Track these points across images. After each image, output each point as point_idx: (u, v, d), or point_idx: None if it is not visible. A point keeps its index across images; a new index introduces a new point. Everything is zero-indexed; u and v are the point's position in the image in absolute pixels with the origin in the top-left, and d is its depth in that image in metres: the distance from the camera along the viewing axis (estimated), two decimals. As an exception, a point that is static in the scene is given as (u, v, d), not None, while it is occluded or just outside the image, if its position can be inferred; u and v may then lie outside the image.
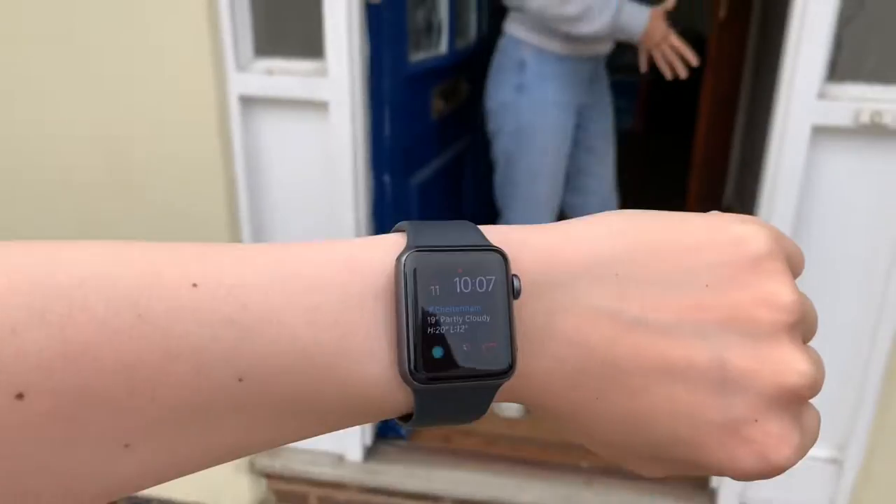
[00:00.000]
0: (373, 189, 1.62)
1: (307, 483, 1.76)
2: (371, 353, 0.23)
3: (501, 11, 1.83)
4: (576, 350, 0.25)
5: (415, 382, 0.23)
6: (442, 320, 0.23)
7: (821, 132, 1.34)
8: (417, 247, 0.24)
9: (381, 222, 1.64)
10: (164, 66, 1.47)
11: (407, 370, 0.23)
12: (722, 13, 2.79)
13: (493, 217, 1.96)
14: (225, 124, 1.50)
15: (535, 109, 1.77)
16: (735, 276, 0.25)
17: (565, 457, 1.78)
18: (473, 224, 0.26)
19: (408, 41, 1.69)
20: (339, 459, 1.76)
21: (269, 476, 1.77)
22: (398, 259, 0.23)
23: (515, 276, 0.24)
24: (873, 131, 1.32)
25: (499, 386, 0.24)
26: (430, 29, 1.95)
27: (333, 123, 1.48)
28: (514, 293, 0.24)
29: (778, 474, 0.26)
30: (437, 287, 0.24)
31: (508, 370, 0.24)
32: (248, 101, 1.50)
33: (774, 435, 0.25)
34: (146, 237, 1.62)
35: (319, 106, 1.48)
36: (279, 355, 0.21)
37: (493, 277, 0.24)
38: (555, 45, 1.75)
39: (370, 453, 1.78)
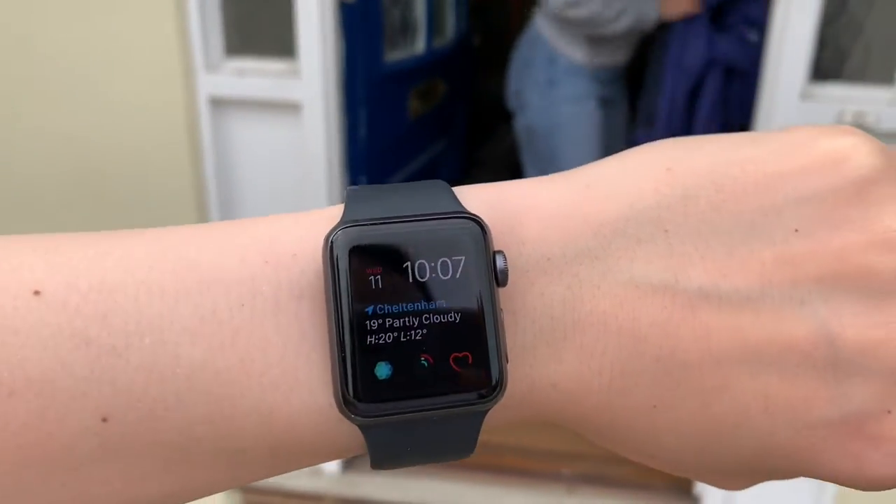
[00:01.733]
0: (348, 192, 1.58)
1: (283, 495, 1.71)
2: (291, 375, 0.17)
3: (480, 10, 1.80)
4: (615, 343, 0.18)
5: (353, 416, 0.16)
6: (388, 324, 0.17)
7: (804, 134, 1.32)
8: (353, 220, 0.17)
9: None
10: (130, 66, 1.42)
11: (341, 398, 0.16)
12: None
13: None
14: (194, 127, 1.46)
15: (568, 103, 1.78)
16: (834, 210, 0.18)
17: (546, 464, 1.75)
18: (445, 185, 0.19)
19: (383, 40, 1.65)
20: (316, 471, 1.72)
21: (245, 489, 1.73)
22: (326, 238, 0.17)
23: (499, 252, 0.17)
24: (856, 133, 1.31)
25: (482, 413, 0.17)
26: (407, 28, 1.90)
27: (307, 125, 1.43)
28: (498, 278, 0.17)
29: None
30: (380, 276, 0.17)
31: (494, 390, 0.17)
32: (218, 103, 1.45)
33: None
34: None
35: (292, 107, 1.44)
36: (155, 386, 0.16)
37: (463, 258, 0.17)
38: (577, 54, 1.75)
39: (348, 464, 1.75)
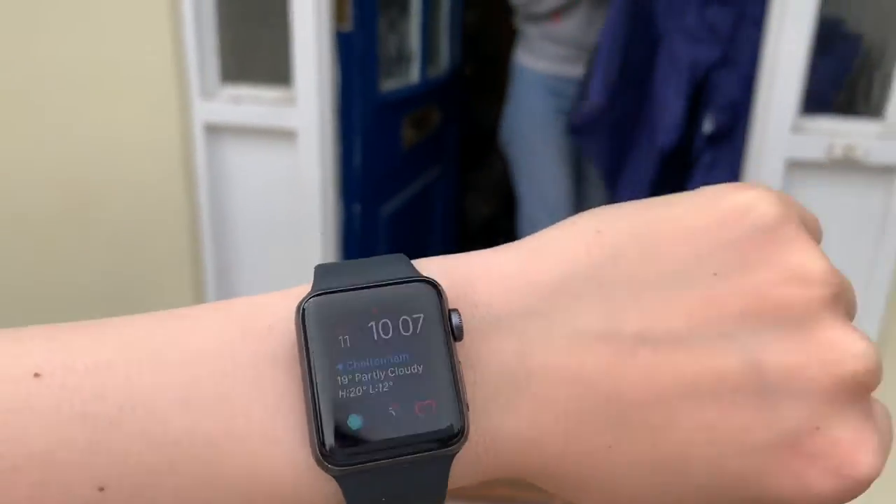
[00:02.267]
0: (342, 219, 1.58)
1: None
2: (272, 435, 0.18)
3: (472, 40, 1.82)
4: (567, 390, 0.19)
5: (329, 466, 0.18)
6: (358, 378, 0.18)
7: (794, 166, 1.33)
8: (320, 290, 0.19)
9: (350, 253, 1.60)
10: (125, 92, 1.42)
11: (318, 451, 0.18)
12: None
13: (467, 246, 1.93)
14: (189, 154, 1.46)
15: (522, 114, 1.85)
16: (747, 254, 0.20)
17: (537, 494, 1.73)
18: (404, 257, 0.21)
19: (378, 69, 1.66)
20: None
21: None
22: (298, 306, 0.19)
23: (454, 310, 0.19)
24: (846, 165, 1.32)
25: (450, 456, 0.19)
26: (402, 57, 1.92)
27: (302, 153, 1.44)
28: (454, 333, 0.19)
29: (863, 490, 0.20)
30: (348, 336, 0.19)
31: (457, 435, 0.19)
32: (213, 130, 1.46)
33: (846, 441, 0.19)
34: (104, 274, 1.57)
35: (287, 135, 1.44)
36: (148, 452, 0.17)
37: (422, 315, 0.19)
38: (529, 61, 1.81)
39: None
